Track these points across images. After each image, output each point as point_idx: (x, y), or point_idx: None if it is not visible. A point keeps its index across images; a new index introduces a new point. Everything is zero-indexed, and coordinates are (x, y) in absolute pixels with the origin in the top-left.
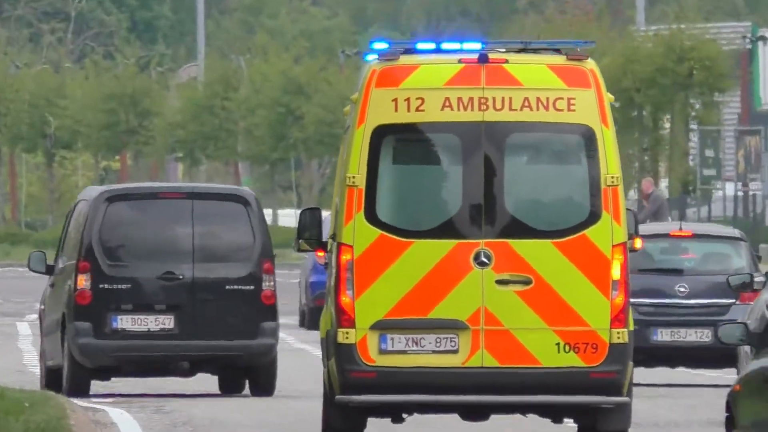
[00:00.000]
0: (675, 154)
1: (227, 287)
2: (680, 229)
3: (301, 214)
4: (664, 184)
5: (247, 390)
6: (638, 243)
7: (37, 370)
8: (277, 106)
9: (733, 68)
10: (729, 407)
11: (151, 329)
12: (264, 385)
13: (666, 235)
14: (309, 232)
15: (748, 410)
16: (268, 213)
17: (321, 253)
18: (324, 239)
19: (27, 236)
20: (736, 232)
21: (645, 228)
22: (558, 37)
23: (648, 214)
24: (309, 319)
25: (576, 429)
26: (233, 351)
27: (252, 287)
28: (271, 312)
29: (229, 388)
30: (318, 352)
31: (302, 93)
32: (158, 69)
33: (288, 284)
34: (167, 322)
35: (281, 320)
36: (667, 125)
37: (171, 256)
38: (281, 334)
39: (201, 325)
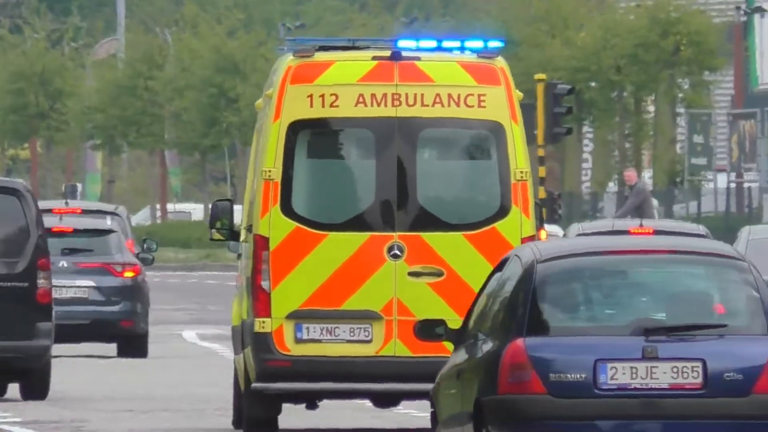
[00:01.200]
0: (660, 141)
1: (0, 284)
2: (640, 226)
3: (212, 205)
4: (648, 174)
5: (11, 393)
6: (543, 235)
7: None
8: (209, 87)
9: (724, 43)
10: (432, 403)
11: None
12: (38, 388)
13: (625, 232)
14: (221, 222)
15: (446, 404)
16: (199, 208)
17: None
18: (236, 230)
19: None
20: (700, 229)
21: (603, 224)
22: (525, 12)
23: (630, 208)
24: None
25: None
26: (8, 353)
27: (26, 284)
28: (46, 311)
29: None
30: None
31: (237, 72)
32: (72, 44)
33: (224, 287)
34: None
35: (215, 330)
36: (652, 108)
37: None
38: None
39: None
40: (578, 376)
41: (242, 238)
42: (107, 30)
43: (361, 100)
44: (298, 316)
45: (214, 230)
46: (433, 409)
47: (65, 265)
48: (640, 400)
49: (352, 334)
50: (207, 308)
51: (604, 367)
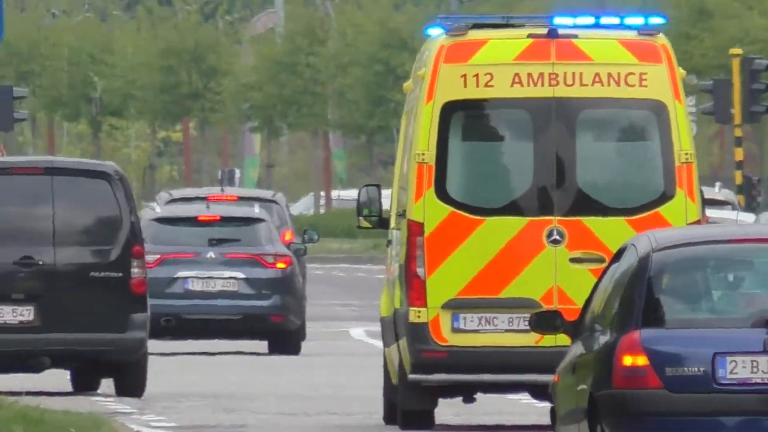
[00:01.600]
0: None
1: (92, 274)
2: None
3: (360, 191)
4: None
5: (104, 388)
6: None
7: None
8: (374, 64)
9: None
10: (551, 398)
11: (8, 321)
12: (133, 384)
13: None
14: (369, 210)
15: (563, 400)
16: None
17: None
18: (385, 216)
19: None
20: None
21: None
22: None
23: None
24: None
25: None
26: (100, 345)
27: (120, 275)
28: (141, 302)
29: (83, 385)
30: None
31: (405, 47)
32: (227, 18)
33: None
34: (26, 313)
35: (364, 327)
36: None
37: (29, 239)
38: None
39: (64, 316)
40: (696, 369)
41: (392, 225)
42: (264, 2)
43: (516, 79)
44: (454, 306)
45: (361, 218)
46: (552, 405)
47: (212, 256)
48: (762, 396)
49: (510, 323)
50: (372, 303)
51: (724, 361)
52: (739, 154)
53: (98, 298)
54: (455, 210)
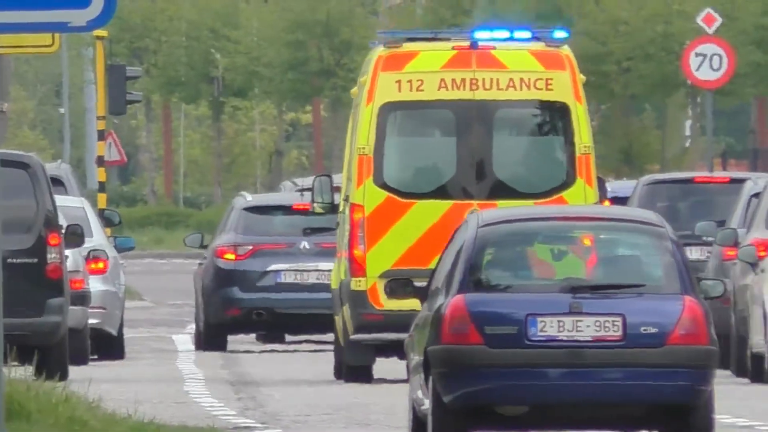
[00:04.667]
0: None
1: (9, 260)
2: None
3: (313, 180)
4: None
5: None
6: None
7: (204, 400)
8: None
9: None
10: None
11: None
12: (54, 368)
13: None
14: (322, 197)
15: (411, 355)
16: None
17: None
18: (336, 203)
19: (187, 216)
20: None
21: None
22: None
23: None
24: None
25: None
26: (16, 330)
27: (35, 260)
28: (57, 287)
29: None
30: None
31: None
32: None
33: None
34: None
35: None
36: None
37: None
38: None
39: None
40: (511, 328)
41: (340, 208)
42: None
43: (443, 84)
44: (389, 275)
45: (315, 204)
46: (405, 360)
47: (306, 246)
48: (567, 350)
49: None
50: None
51: (534, 321)
52: None
53: (14, 284)
54: (390, 194)
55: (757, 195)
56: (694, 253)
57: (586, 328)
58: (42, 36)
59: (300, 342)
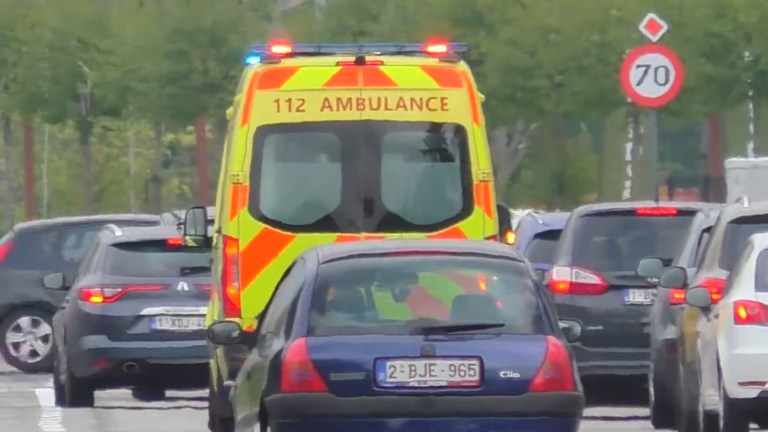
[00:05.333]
0: None
1: None
2: None
3: (186, 212)
4: None
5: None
6: (511, 238)
7: None
8: None
9: None
10: (232, 407)
11: None
12: None
13: None
14: (195, 230)
15: (239, 407)
16: None
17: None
18: (209, 235)
19: None
20: None
21: None
22: None
23: None
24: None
25: None
26: None
27: None
28: None
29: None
30: None
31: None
32: None
33: None
34: None
35: None
36: None
37: None
38: None
39: None
40: (357, 374)
41: (214, 242)
42: None
43: (326, 104)
44: None
45: (187, 237)
46: (231, 416)
47: (185, 287)
48: (419, 398)
49: None
50: None
51: (383, 365)
52: None
53: None
54: (268, 227)
55: (708, 229)
56: (636, 296)
57: (440, 373)
58: None
59: (183, 398)
